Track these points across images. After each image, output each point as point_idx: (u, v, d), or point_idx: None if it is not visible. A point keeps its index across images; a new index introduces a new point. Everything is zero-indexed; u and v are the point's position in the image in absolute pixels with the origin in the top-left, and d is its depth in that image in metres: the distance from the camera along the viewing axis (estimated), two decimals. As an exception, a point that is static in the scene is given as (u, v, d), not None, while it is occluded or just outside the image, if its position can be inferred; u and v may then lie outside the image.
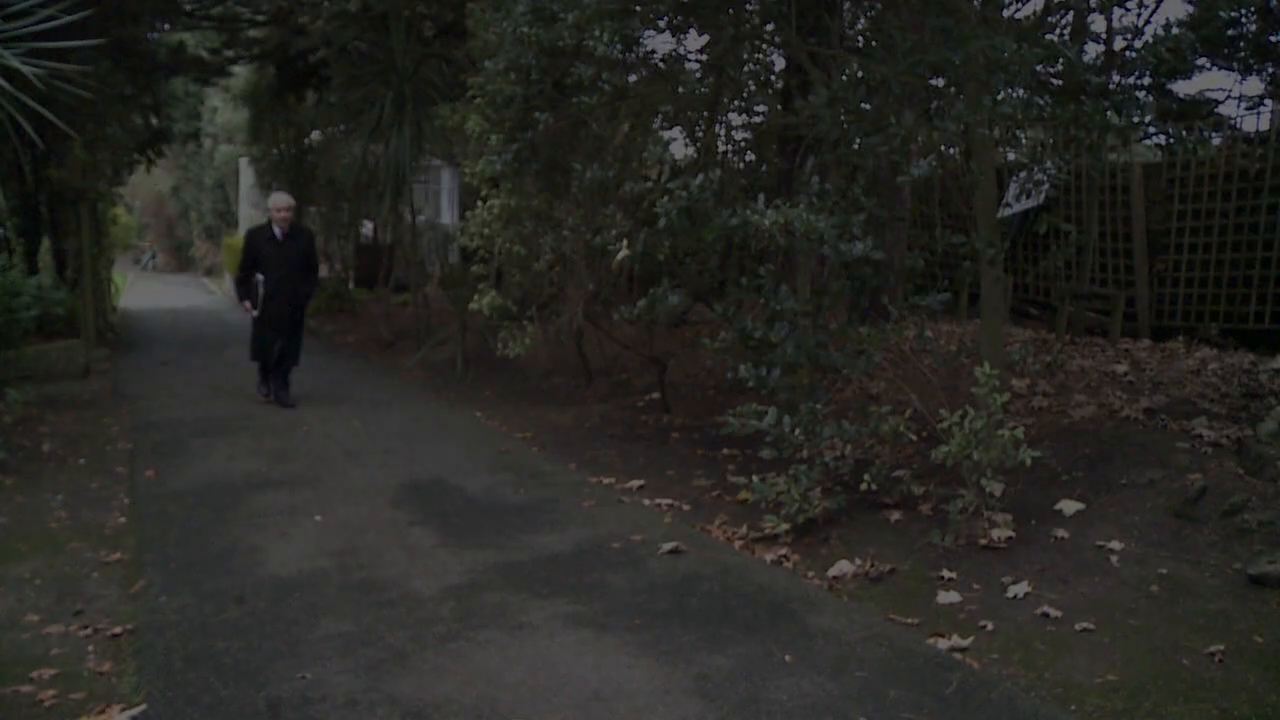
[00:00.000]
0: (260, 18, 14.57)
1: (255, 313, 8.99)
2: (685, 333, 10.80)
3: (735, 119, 9.67)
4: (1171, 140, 7.23)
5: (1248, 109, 9.85)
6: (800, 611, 4.28)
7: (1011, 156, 8.46)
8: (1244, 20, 9.86)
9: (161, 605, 4.40)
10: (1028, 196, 7.48)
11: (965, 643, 3.96)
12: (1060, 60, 4.80)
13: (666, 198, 5.40)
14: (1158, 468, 5.20)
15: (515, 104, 7.08)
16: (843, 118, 5.24)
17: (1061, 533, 4.82)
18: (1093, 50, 6.38)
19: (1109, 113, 4.43)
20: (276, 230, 8.95)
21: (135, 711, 3.45)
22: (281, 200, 9.21)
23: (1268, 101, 10.65)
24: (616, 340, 9.64)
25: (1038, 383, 7.19)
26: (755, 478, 5.36)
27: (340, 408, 9.31)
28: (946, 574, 4.62)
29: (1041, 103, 4.69)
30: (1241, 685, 3.53)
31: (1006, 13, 5.55)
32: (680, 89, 8.02)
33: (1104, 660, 3.77)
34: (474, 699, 3.51)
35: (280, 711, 3.43)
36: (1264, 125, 9.62)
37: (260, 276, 8.92)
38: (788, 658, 3.82)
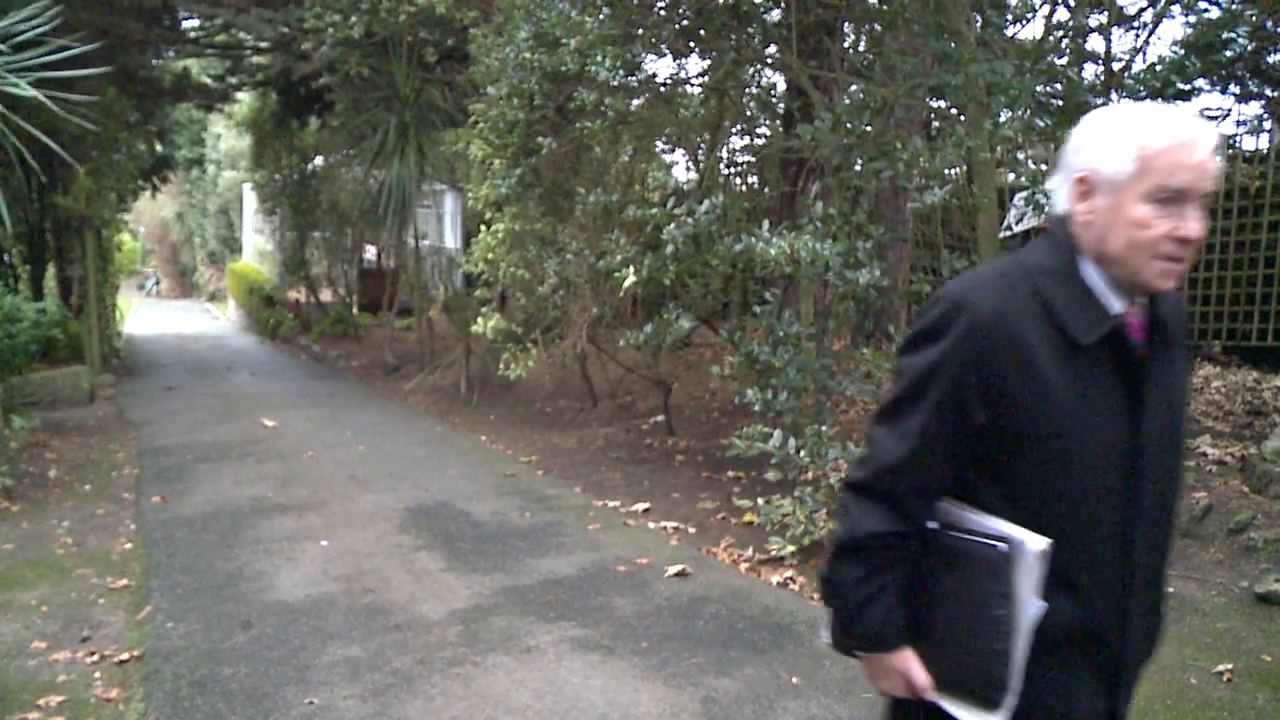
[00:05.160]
0: (263, 44, 14.67)
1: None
2: (689, 355, 10.82)
3: (737, 142, 9.73)
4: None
5: (1248, 131, 9.91)
6: (807, 633, 4.28)
7: (1012, 178, 8.50)
8: (1238, 39, 9.93)
9: (168, 631, 4.41)
10: (1029, 217, 7.51)
11: (973, 664, 3.95)
12: (1060, 80, 4.84)
13: (673, 224, 5.43)
14: (1163, 486, 5.19)
15: (518, 129, 7.14)
16: (845, 140, 5.27)
17: (1068, 552, 4.80)
18: (1090, 71, 6.43)
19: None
20: (1116, 307, 1.61)
21: (143, 738, 3.45)
22: (1205, 159, 1.52)
23: (1268, 122, 10.72)
24: (620, 363, 9.67)
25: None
26: (760, 500, 5.37)
27: (345, 433, 9.32)
28: (953, 595, 4.61)
29: (1042, 124, 4.73)
30: (1250, 705, 3.52)
31: (1007, 33, 5.59)
32: (682, 112, 8.09)
33: (1112, 680, 3.75)
34: (482, 723, 3.51)
35: (288, 737, 3.43)
36: (1264, 144, 9.66)
37: (1031, 547, 1.51)
38: (795, 680, 3.82)
